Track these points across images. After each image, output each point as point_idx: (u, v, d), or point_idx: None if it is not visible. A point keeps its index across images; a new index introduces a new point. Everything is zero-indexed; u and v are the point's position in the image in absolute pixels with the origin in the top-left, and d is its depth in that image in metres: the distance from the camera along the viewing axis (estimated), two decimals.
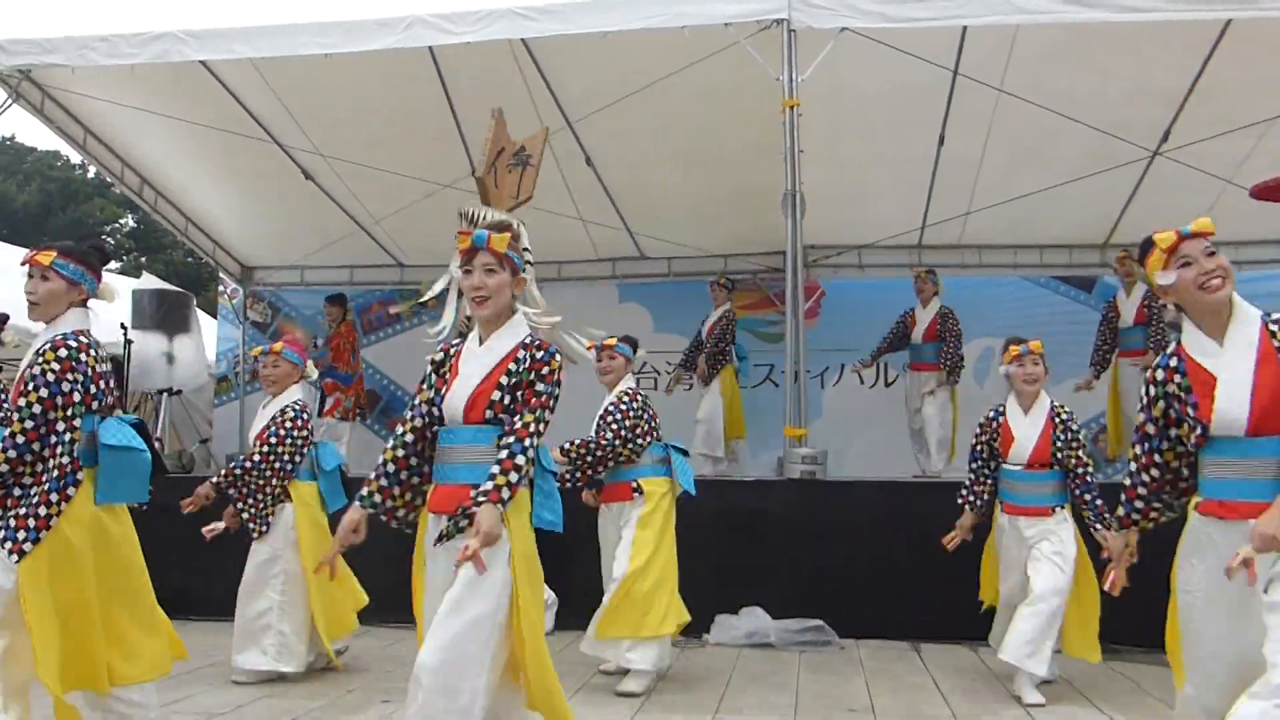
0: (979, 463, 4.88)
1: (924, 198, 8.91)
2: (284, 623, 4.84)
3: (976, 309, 8.84)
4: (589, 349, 4.96)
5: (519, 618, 2.81)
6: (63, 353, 3.25)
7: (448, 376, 2.99)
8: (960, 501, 4.92)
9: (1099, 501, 4.54)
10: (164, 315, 9.59)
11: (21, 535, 3.13)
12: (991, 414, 4.86)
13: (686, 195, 8.85)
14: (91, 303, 3.47)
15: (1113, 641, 5.41)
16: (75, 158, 24.72)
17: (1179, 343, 2.87)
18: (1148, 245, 2.86)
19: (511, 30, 6.83)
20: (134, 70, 7.36)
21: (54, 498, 3.18)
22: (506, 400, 2.91)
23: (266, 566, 4.86)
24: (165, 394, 9.61)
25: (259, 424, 4.99)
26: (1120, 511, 3.09)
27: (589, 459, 4.82)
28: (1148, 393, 2.93)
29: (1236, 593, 2.58)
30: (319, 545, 4.91)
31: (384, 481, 3.01)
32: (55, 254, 3.35)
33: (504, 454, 2.81)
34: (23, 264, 3.38)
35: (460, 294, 3.31)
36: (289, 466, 4.90)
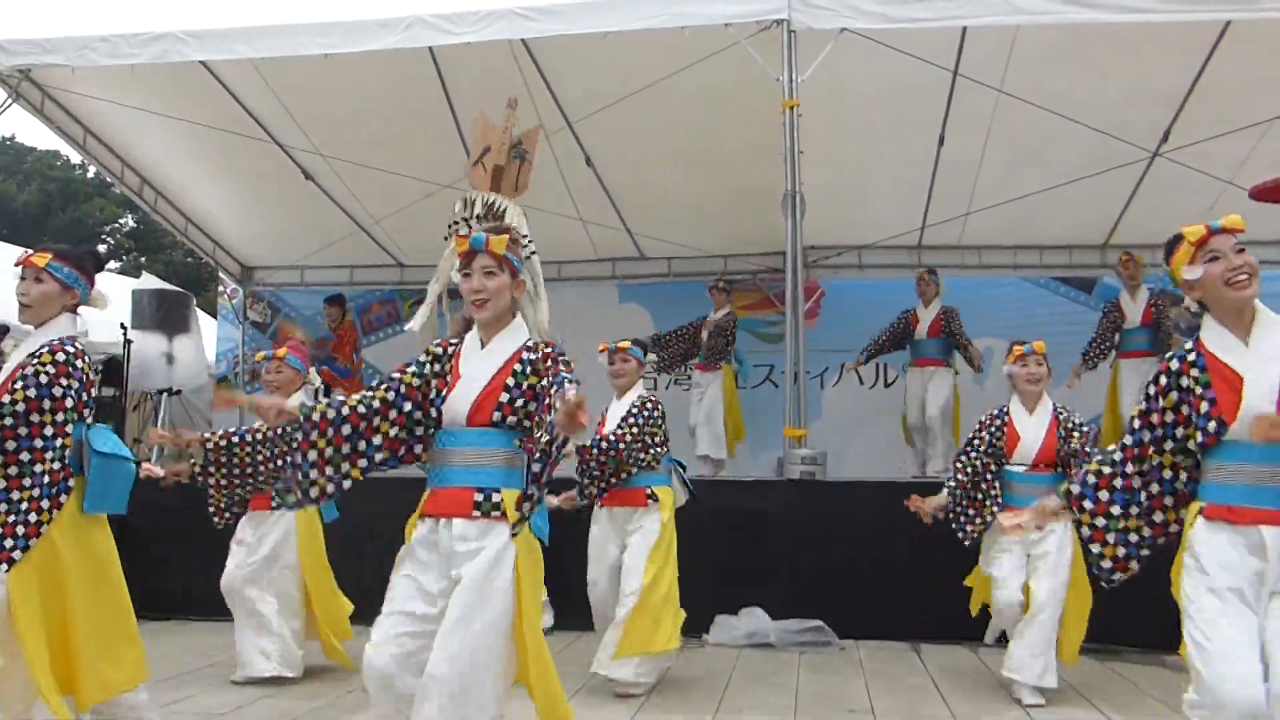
0: (974, 453, 4.81)
1: (924, 198, 8.91)
2: (283, 626, 4.84)
3: (976, 309, 8.83)
4: (601, 351, 4.95)
5: (521, 621, 2.79)
6: (60, 357, 3.23)
7: (448, 378, 2.94)
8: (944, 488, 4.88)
9: None
10: (164, 315, 9.59)
11: (9, 544, 3.09)
12: (996, 413, 4.84)
13: (686, 195, 8.86)
14: (82, 309, 3.44)
15: (1111, 642, 5.42)
16: (75, 158, 24.73)
17: (1198, 338, 2.79)
18: (1176, 240, 2.80)
19: (511, 30, 6.83)
20: (134, 70, 7.37)
21: (44, 504, 3.15)
22: (518, 402, 2.86)
23: (266, 568, 4.86)
24: (165, 394, 9.61)
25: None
26: (1074, 489, 2.89)
27: (612, 460, 4.66)
28: (1158, 382, 2.80)
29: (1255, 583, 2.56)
30: (315, 551, 4.93)
31: (331, 414, 2.88)
32: (51, 256, 3.32)
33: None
34: (16, 265, 3.34)
35: (443, 297, 3.27)
36: (275, 464, 4.86)
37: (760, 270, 9.86)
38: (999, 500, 4.73)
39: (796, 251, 6.68)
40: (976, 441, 4.83)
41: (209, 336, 11.25)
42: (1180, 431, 2.78)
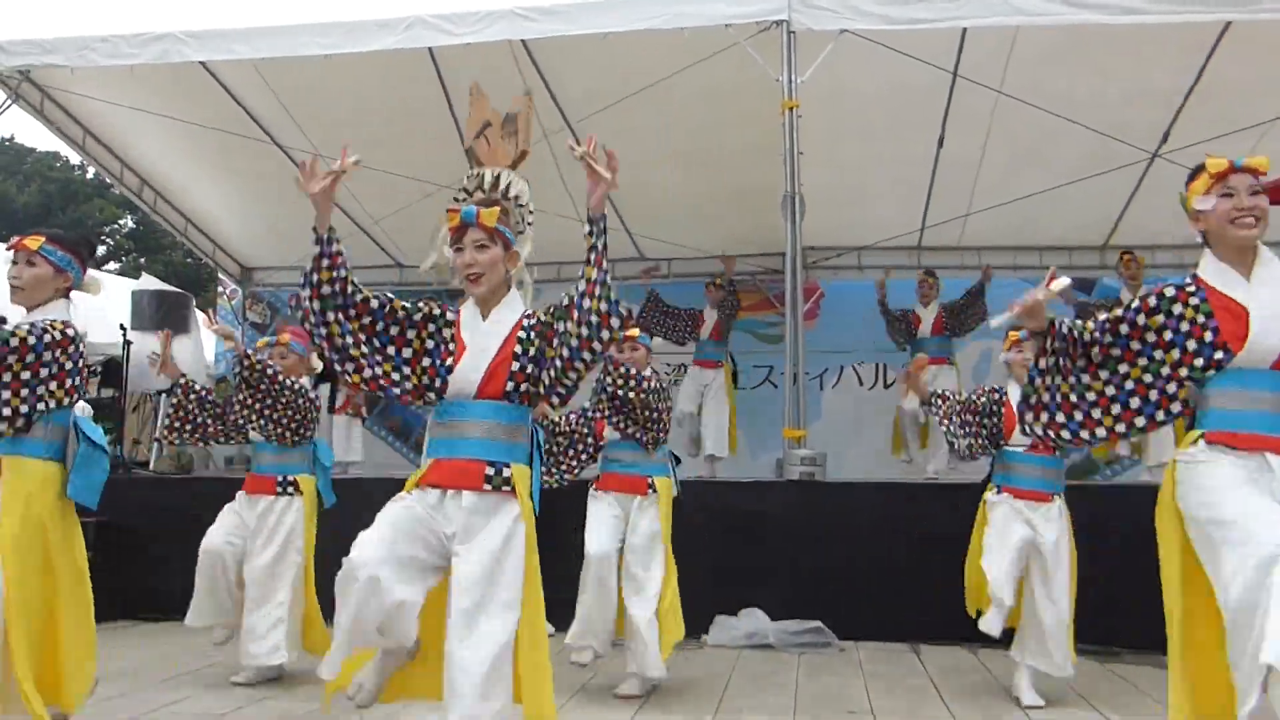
0: (971, 408, 4.78)
1: (923, 199, 8.91)
2: (291, 616, 4.83)
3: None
4: None
5: (529, 602, 2.76)
6: (70, 332, 3.24)
7: (450, 345, 2.88)
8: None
9: None
10: (163, 316, 9.58)
11: None
12: (996, 391, 4.79)
13: (686, 196, 8.85)
14: (76, 298, 3.43)
15: (1110, 644, 5.43)
16: (75, 158, 24.70)
17: (1194, 274, 2.79)
18: (1198, 169, 2.81)
19: (511, 31, 6.84)
20: (134, 71, 7.37)
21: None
22: (529, 369, 2.83)
23: (277, 563, 4.84)
24: (164, 394, 9.60)
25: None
26: (1062, 326, 2.82)
27: (630, 390, 4.54)
28: (1145, 301, 2.78)
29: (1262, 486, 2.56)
30: (311, 547, 4.94)
31: (342, 272, 2.83)
32: (44, 240, 3.31)
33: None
34: (9, 249, 3.33)
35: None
36: (282, 423, 4.89)
37: (760, 271, 9.86)
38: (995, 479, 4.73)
39: (796, 252, 6.68)
40: (972, 401, 4.80)
41: (208, 337, 11.24)
42: (1159, 354, 2.77)
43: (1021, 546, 4.49)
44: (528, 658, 2.72)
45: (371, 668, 2.71)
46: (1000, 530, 4.56)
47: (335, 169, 2.96)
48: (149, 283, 11.38)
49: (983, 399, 4.79)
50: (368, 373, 2.85)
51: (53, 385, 3.20)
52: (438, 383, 2.86)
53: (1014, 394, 4.72)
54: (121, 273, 21.60)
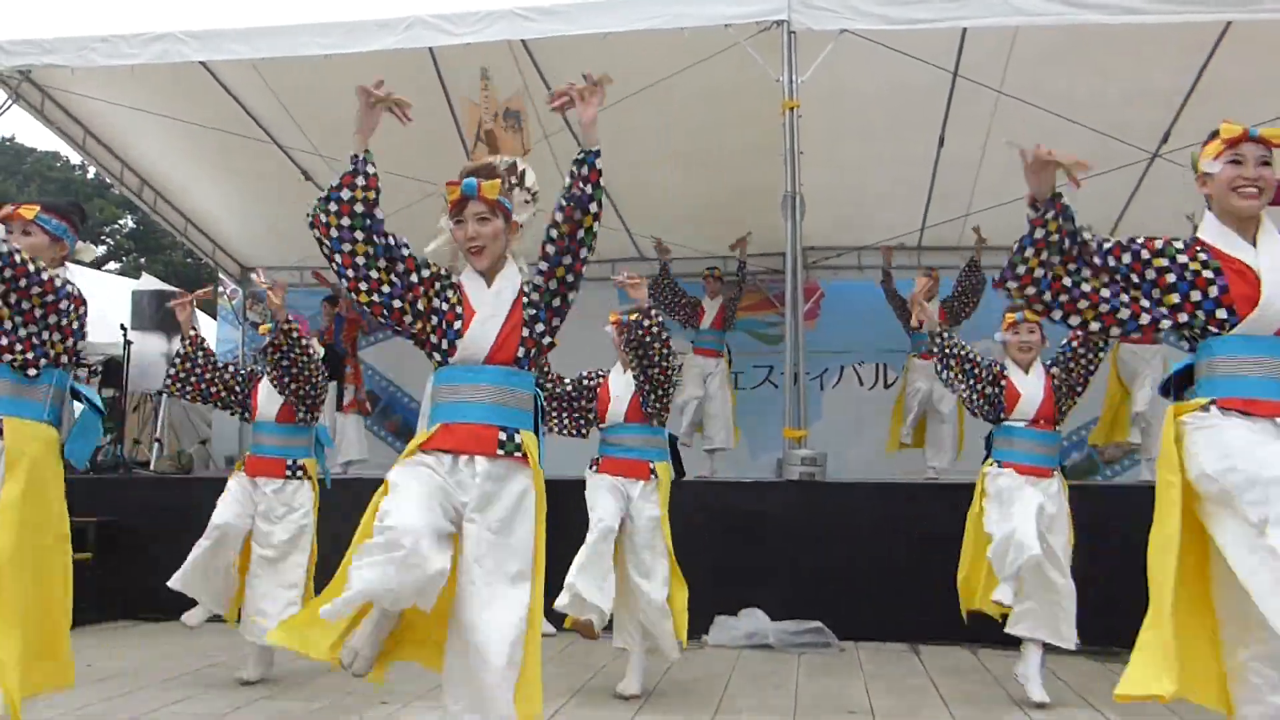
0: (973, 360, 4.72)
1: (924, 199, 8.91)
2: (301, 603, 4.81)
3: (976, 310, 8.83)
4: (612, 323, 4.87)
5: (535, 574, 2.75)
6: (82, 296, 3.27)
7: (458, 309, 2.85)
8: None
9: None
10: (164, 316, 9.59)
11: None
12: (999, 365, 4.76)
13: (686, 196, 8.85)
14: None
15: (1109, 644, 5.41)
16: (75, 158, 24.73)
17: (1196, 238, 2.78)
18: (1214, 133, 2.82)
19: (511, 31, 6.84)
20: (134, 71, 7.37)
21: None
22: (539, 329, 2.85)
23: (291, 545, 4.83)
24: (164, 395, 9.61)
25: (276, 397, 5.00)
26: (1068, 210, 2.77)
27: (646, 335, 4.55)
28: (1150, 241, 2.74)
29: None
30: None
31: (375, 195, 2.82)
32: (39, 209, 3.31)
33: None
34: (3, 220, 3.30)
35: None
36: (291, 385, 4.92)
37: (760, 271, 9.85)
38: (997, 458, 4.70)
39: (796, 252, 6.68)
40: (973, 355, 4.75)
41: (208, 337, 11.23)
42: (1157, 293, 2.73)
43: (1039, 504, 4.43)
44: (529, 634, 2.72)
45: (366, 635, 2.66)
46: (1006, 497, 4.51)
47: (390, 98, 2.99)
48: (149, 283, 11.41)
49: (984, 368, 4.74)
50: (379, 295, 2.79)
51: (56, 336, 3.21)
52: (444, 344, 2.84)
53: (1013, 372, 4.73)
54: (122, 273, 21.63)
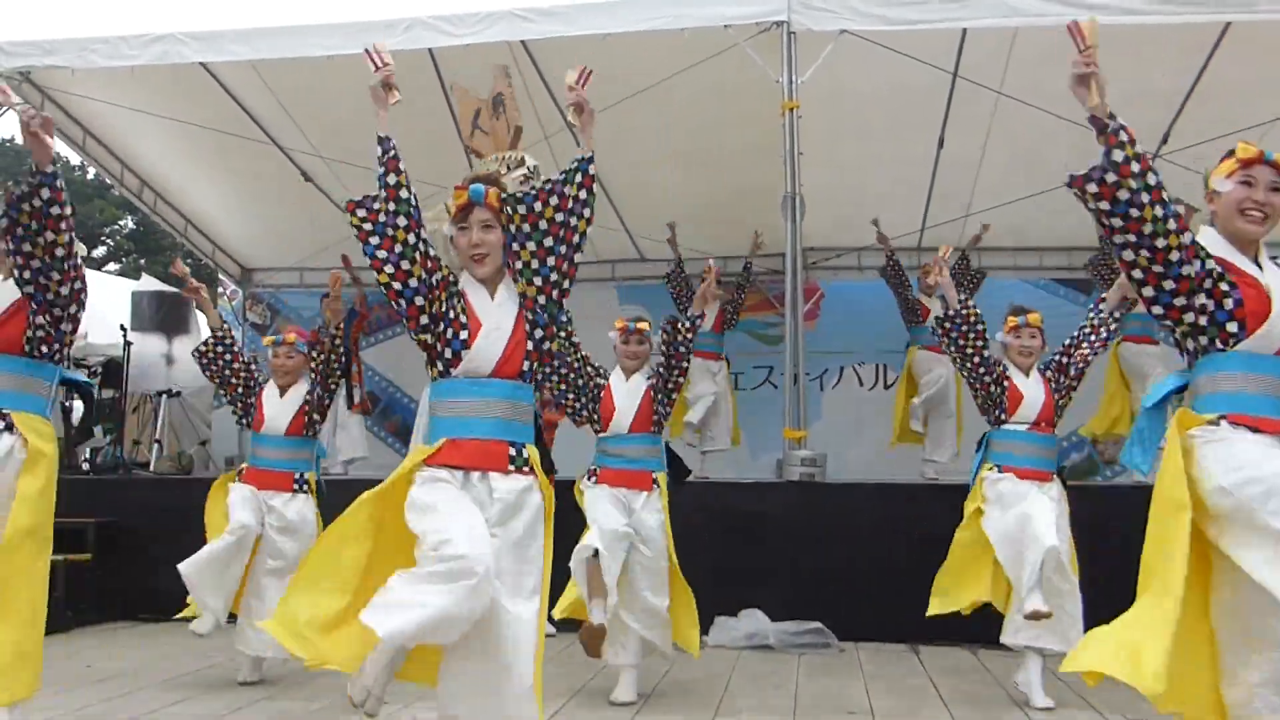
0: (981, 337, 4.67)
1: (923, 200, 8.91)
2: None
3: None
4: (619, 329, 4.85)
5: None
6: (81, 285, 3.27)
7: (462, 318, 2.83)
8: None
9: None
10: (163, 317, 9.61)
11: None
12: (1001, 365, 4.75)
13: (686, 197, 8.85)
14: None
15: None
16: (75, 159, 24.67)
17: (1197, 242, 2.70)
18: (1230, 152, 2.79)
19: (511, 32, 6.84)
20: (134, 72, 7.37)
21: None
22: (539, 335, 2.86)
23: (296, 562, 4.82)
24: (164, 395, 9.62)
25: (285, 411, 4.99)
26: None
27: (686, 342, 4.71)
28: (1180, 219, 2.60)
29: None
30: None
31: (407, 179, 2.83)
32: None
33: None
34: None
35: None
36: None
37: (760, 272, 9.85)
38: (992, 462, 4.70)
39: (796, 253, 6.68)
40: (981, 344, 4.70)
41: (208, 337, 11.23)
42: (1183, 265, 2.61)
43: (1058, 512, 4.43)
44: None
45: (379, 674, 2.65)
46: (1009, 501, 4.48)
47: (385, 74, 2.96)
48: (149, 284, 11.41)
49: (989, 363, 4.69)
50: (404, 286, 2.78)
51: (69, 328, 3.21)
52: (449, 354, 2.81)
53: (1014, 375, 4.73)
54: (122, 274, 21.62)
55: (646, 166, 8.51)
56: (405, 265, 2.77)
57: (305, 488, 4.97)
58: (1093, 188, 2.58)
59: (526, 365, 2.84)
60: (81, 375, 3.40)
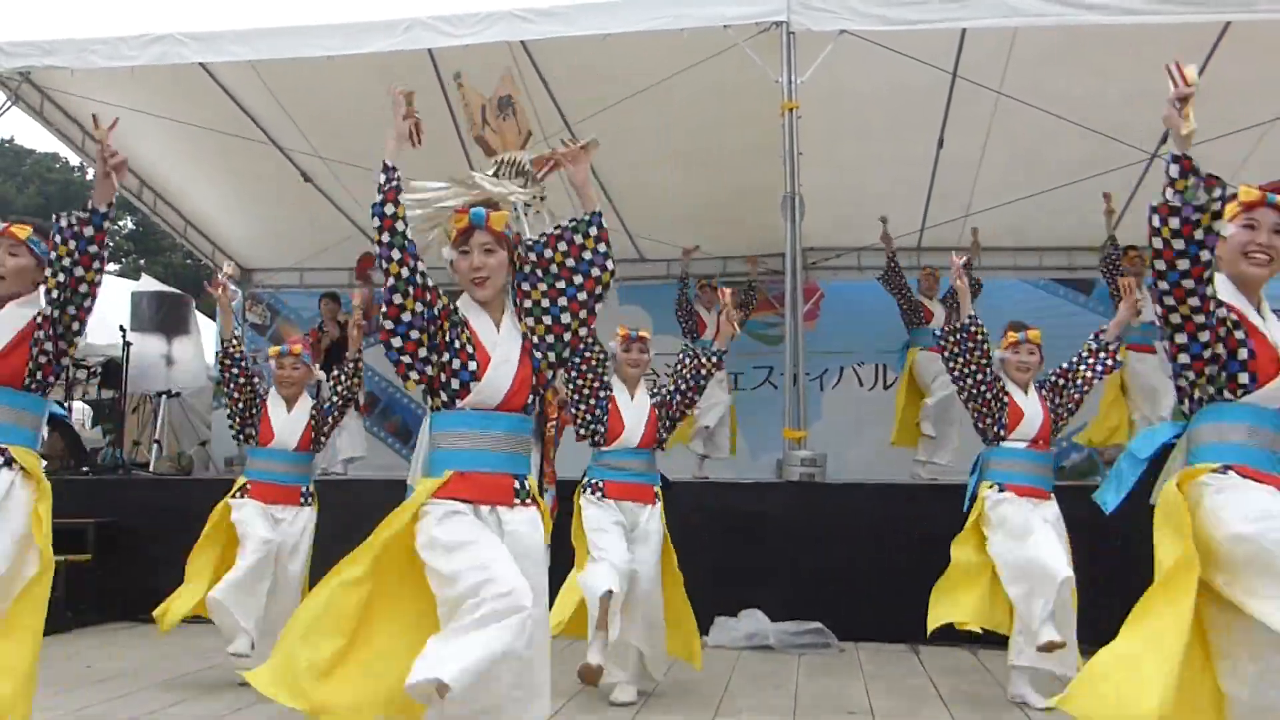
0: (986, 354, 4.65)
1: (923, 200, 8.91)
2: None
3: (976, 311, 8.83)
4: (621, 336, 4.84)
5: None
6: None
7: (468, 348, 2.80)
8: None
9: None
10: (163, 317, 9.60)
11: None
12: (999, 382, 4.72)
13: (686, 197, 8.86)
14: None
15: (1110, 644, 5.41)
16: (74, 160, 24.74)
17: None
18: (1231, 195, 2.73)
19: (511, 32, 6.84)
20: (133, 73, 7.38)
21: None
22: (549, 376, 2.89)
23: (299, 575, 4.85)
24: (164, 396, 9.61)
25: (295, 426, 4.97)
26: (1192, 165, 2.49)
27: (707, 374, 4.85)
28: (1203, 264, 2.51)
29: None
30: None
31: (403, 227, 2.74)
32: (31, 230, 3.26)
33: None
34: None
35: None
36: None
37: (760, 272, 9.85)
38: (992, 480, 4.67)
39: (796, 253, 6.69)
40: (986, 360, 4.68)
41: (208, 339, 11.23)
42: (1214, 316, 2.58)
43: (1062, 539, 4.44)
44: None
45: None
46: (1014, 529, 4.46)
47: (408, 108, 2.96)
48: (149, 284, 11.41)
49: (991, 380, 4.67)
50: (395, 323, 2.72)
51: (66, 361, 3.21)
52: (454, 384, 2.78)
53: (1013, 391, 4.72)
54: (121, 274, 21.59)
55: (646, 166, 8.51)
56: (398, 299, 2.72)
57: (311, 500, 4.99)
58: (1175, 222, 2.51)
59: (530, 399, 2.85)
60: (54, 404, 3.37)
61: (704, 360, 4.80)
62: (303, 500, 4.96)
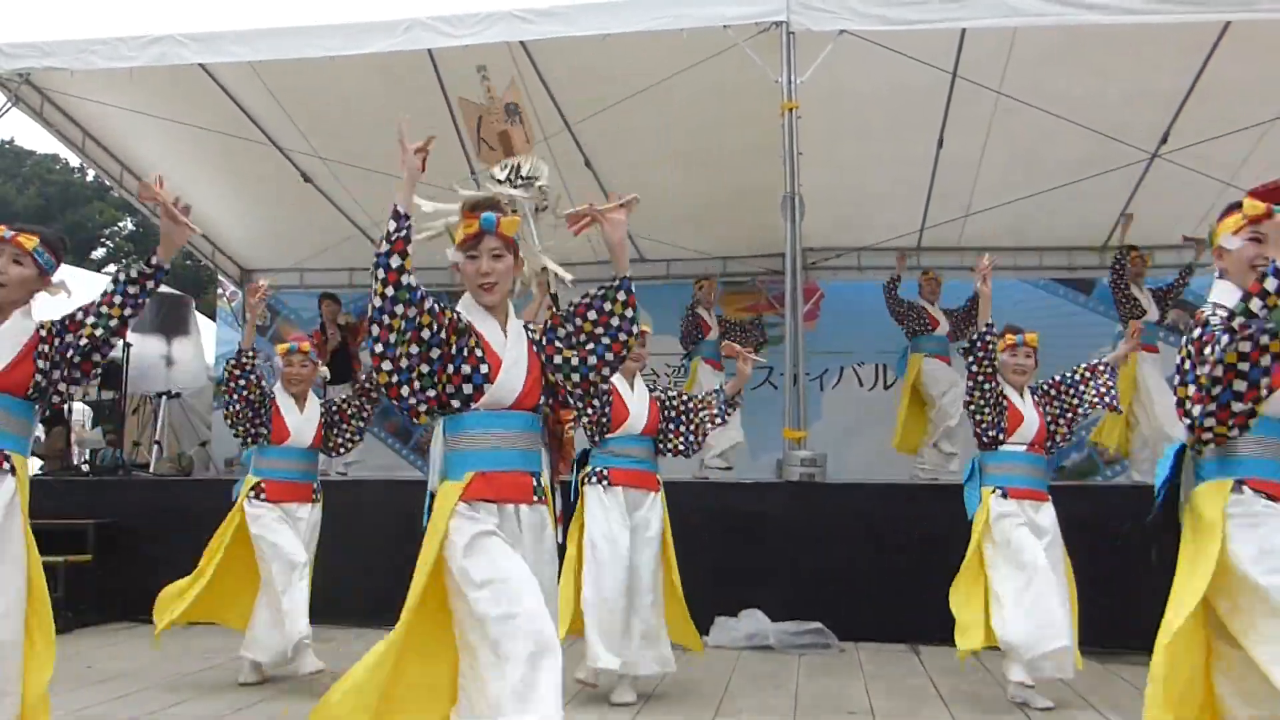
0: (992, 361, 4.60)
1: (923, 200, 8.91)
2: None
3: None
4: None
5: None
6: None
7: (478, 352, 2.80)
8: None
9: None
10: (163, 318, 9.60)
11: None
12: (999, 388, 4.70)
13: (685, 197, 8.85)
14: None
15: (1111, 645, 5.41)
16: (74, 161, 24.74)
17: (1214, 303, 2.67)
18: (1235, 206, 2.75)
19: (510, 33, 6.83)
20: (133, 73, 7.37)
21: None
22: (556, 378, 2.91)
23: (305, 569, 4.80)
24: (164, 397, 9.62)
25: (308, 424, 5.00)
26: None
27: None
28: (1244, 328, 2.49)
29: None
30: None
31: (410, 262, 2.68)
32: (38, 240, 3.23)
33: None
34: (3, 241, 3.20)
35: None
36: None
37: (760, 272, 9.85)
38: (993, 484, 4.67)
39: (796, 253, 6.68)
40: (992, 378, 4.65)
41: (208, 339, 11.25)
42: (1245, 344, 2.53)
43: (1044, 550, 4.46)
44: None
45: None
46: (1014, 554, 4.47)
47: (420, 145, 2.87)
48: None
49: (987, 391, 4.64)
50: (396, 378, 2.68)
51: (67, 387, 3.23)
52: (468, 389, 2.78)
53: (1010, 394, 4.72)
54: None
55: (646, 166, 8.50)
56: (397, 352, 2.66)
57: (319, 496, 5.03)
58: (1246, 346, 2.51)
59: (541, 398, 2.89)
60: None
61: (716, 410, 4.89)
62: (314, 496, 5.00)
